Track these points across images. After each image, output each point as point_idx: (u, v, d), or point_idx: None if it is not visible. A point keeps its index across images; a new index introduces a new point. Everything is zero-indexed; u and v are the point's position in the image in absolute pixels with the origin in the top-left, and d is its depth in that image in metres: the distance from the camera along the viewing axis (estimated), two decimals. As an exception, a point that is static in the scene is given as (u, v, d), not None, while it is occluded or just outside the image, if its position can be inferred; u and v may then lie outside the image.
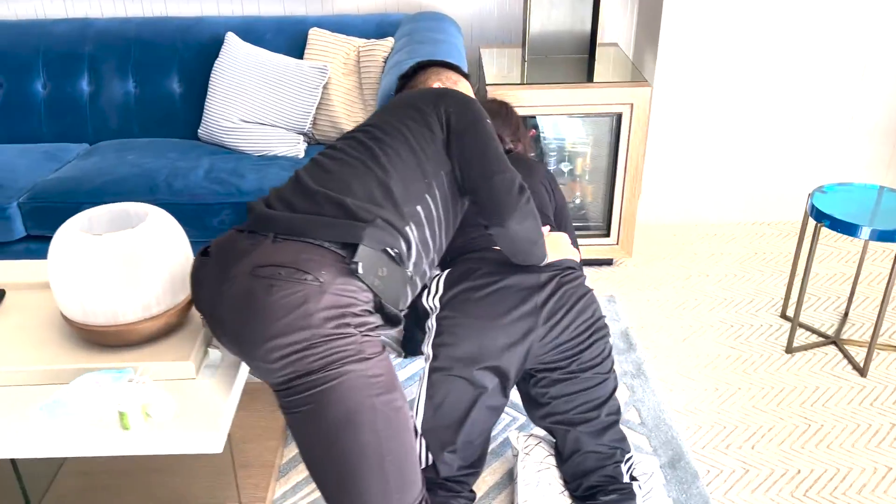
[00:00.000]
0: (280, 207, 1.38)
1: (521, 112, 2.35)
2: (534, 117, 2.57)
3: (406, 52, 2.34)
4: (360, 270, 1.29)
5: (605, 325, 1.71)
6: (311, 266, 1.27)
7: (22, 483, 1.71)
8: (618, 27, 2.95)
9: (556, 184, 2.06)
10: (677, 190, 2.98)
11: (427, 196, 1.46)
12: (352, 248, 1.30)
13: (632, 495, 1.63)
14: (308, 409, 1.25)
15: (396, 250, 1.37)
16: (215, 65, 2.66)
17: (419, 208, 1.44)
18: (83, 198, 2.26)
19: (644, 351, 2.30)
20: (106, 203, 2.23)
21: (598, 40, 2.86)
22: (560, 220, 2.04)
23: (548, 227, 1.78)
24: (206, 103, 2.65)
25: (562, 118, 2.60)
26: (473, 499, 1.71)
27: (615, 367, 1.79)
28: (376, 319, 1.34)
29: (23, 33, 2.75)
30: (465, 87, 1.83)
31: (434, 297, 1.68)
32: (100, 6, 2.95)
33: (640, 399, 2.09)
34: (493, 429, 1.78)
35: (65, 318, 1.49)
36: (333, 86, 2.63)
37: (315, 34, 2.71)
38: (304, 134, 2.63)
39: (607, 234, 2.67)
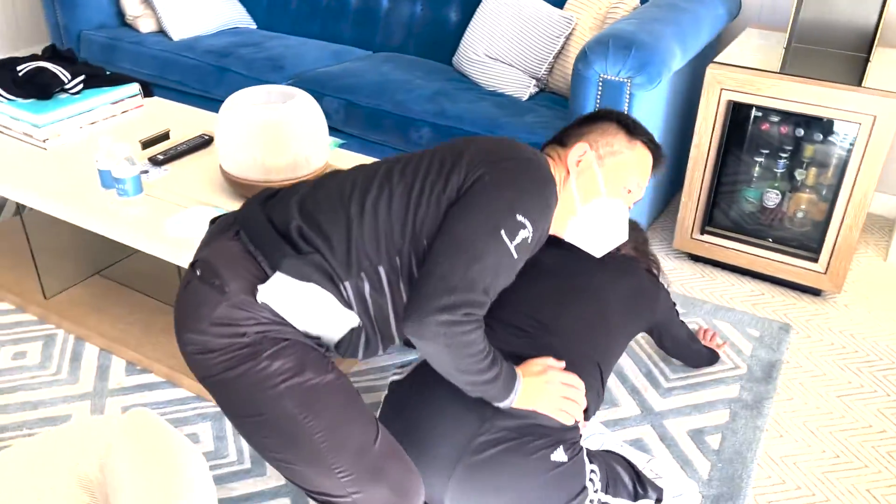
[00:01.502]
0: (270, 207, 1.32)
1: (764, 104, 2.19)
2: (777, 111, 2.31)
3: (634, 20, 2.27)
4: (260, 298, 1.21)
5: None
6: (227, 273, 1.22)
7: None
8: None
9: (657, 303, 1.74)
10: (951, 240, 2.45)
11: (397, 259, 1.27)
12: (273, 270, 1.23)
13: None
14: (222, 406, 1.27)
15: (337, 293, 1.24)
16: (481, 5, 2.86)
17: (381, 268, 1.26)
18: (329, 91, 2.68)
19: (781, 389, 2.03)
20: (338, 98, 2.64)
21: (880, 40, 2.42)
22: (658, 333, 1.85)
23: (549, 362, 1.42)
24: (464, 34, 2.88)
25: (811, 119, 2.30)
26: None
27: None
28: (284, 327, 1.25)
29: (353, -50, 3.25)
30: (627, 163, 1.45)
31: (395, 375, 1.55)
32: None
33: (734, 429, 1.88)
34: None
35: (222, 170, 1.88)
36: (576, 38, 2.66)
37: (582, -14, 2.74)
38: (537, 79, 2.72)
39: (815, 260, 2.34)
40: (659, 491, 1.59)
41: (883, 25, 2.32)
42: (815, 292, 2.42)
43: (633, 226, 1.77)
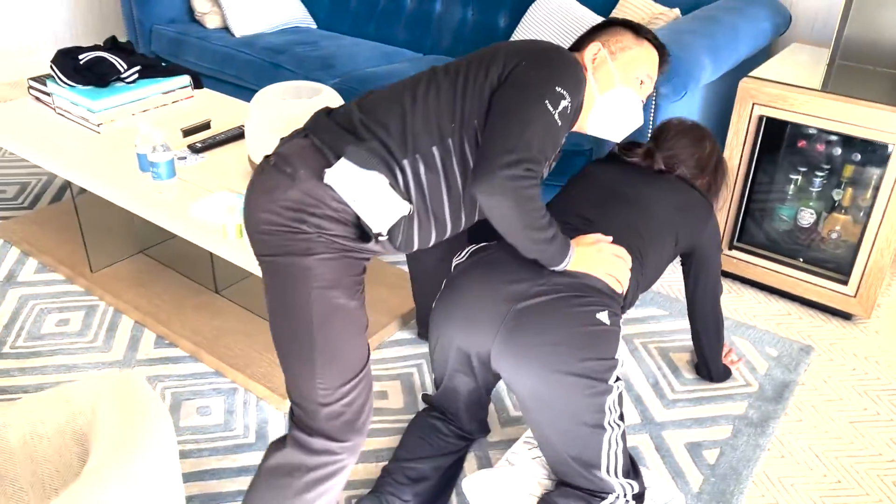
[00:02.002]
0: (335, 113, 1.46)
1: (798, 120, 2.17)
2: (812, 129, 2.27)
3: (667, 31, 2.28)
4: (328, 179, 1.34)
5: (604, 376, 1.46)
6: (297, 162, 1.36)
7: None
8: None
9: (705, 226, 1.81)
10: None
11: (449, 140, 1.40)
12: (338, 158, 1.36)
13: (600, 499, 1.56)
14: (265, 284, 1.42)
15: (393, 178, 1.37)
16: (531, 7, 2.90)
17: (434, 149, 1.39)
18: (369, 88, 2.76)
19: (791, 411, 1.99)
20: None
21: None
22: (696, 263, 1.86)
23: (599, 236, 1.57)
24: (510, 38, 2.92)
25: (849, 139, 2.24)
26: (478, 433, 1.80)
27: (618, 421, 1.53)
28: (341, 229, 1.37)
29: (411, -45, 3.34)
30: (637, 57, 1.61)
31: (456, 259, 1.68)
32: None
33: (734, 445, 1.87)
34: (477, 401, 1.73)
35: (249, 160, 1.99)
36: (617, 47, 2.66)
37: (628, -4, 2.75)
38: (577, 87, 2.74)
39: (845, 283, 2.28)
40: (641, 486, 1.60)
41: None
42: (846, 316, 2.35)
43: (700, 136, 1.86)
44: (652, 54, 1.65)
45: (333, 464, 1.37)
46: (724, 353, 2.08)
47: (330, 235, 1.37)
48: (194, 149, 2.15)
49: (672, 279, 2.50)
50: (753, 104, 2.23)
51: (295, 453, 1.37)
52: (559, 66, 1.43)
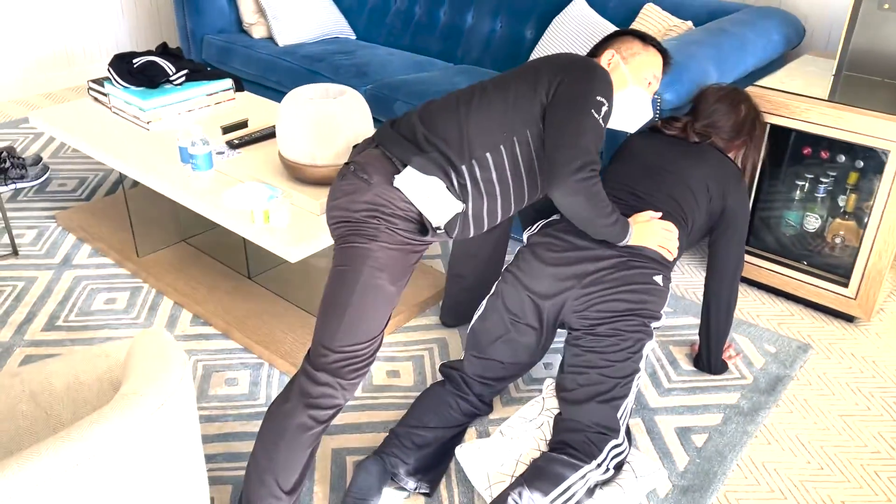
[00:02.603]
0: (398, 125, 1.71)
1: (801, 128, 2.28)
2: (815, 136, 2.36)
3: (675, 41, 2.40)
4: (397, 184, 1.59)
5: (647, 322, 1.78)
6: (372, 170, 1.62)
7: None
8: None
9: (733, 190, 2.01)
10: None
11: (502, 147, 1.65)
12: (405, 166, 1.62)
13: (583, 463, 1.68)
14: (334, 260, 1.66)
15: (450, 182, 1.61)
16: (555, 19, 3.05)
17: (488, 155, 1.64)
18: (400, 96, 2.94)
19: (783, 403, 2.08)
20: (407, 103, 2.90)
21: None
22: (724, 226, 2.01)
23: (651, 214, 1.85)
24: (534, 49, 3.07)
25: (852, 146, 2.32)
26: (483, 410, 1.95)
27: (642, 365, 1.81)
28: (405, 224, 1.62)
29: (446, -30, 3.53)
30: (644, 61, 1.86)
31: (527, 233, 1.95)
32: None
33: (722, 431, 1.97)
34: (525, 365, 1.94)
35: (280, 155, 2.17)
36: (634, 58, 2.79)
37: (647, 10, 2.88)
38: (595, 95, 2.87)
39: (846, 285, 2.36)
40: (628, 451, 1.79)
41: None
42: (848, 318, 2.43)
43: (735, 100, 2.09)
44: (657, 58, 1.91)
45: (331, 397, 1.58)
46: (724, 352, 2.19)
47: (395, 229, 1.61)
48: (231, 145, 2.35)
49: (680, 279, 2.61)
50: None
51: (303, 381, 1.59)
52: (595, 78, 1.68)
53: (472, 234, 1.73)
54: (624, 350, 1.77)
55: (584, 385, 1.78)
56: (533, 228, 1.97)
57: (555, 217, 1.95)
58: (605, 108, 1.66)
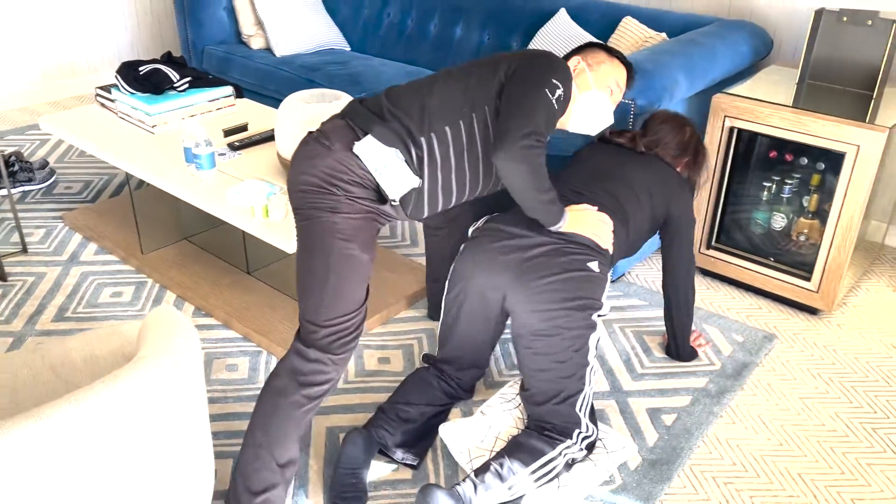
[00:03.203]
0: (365, 102, 1.80)
1: (763, 131, 2.44)
2: (776, 139, 2.52)
3: (648, 51, 2.57)
4: (356, 150, 1.68)
5: (587, 313, 1.82)
6: (334, 137, 1.71)
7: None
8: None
9: (676, 197, 2.12)
10: (956, 273, 2.55)
11: (461, 121, 1.74)
12: (366, 135, 1.71)
13: (560, 441, 1.82)
14: (298, 231, 1.76)
15: (409, 154, 1.71)
16: (539, 31, 3.22)
17: (447, 128, 1.73)
18: (392, 103, 3.10)
19: (748, 387, 2.23)
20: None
21: (891, 79, 2.58)
22: (671, 231, 2.15)
23: (588, 206, 1.93)
24: (519, 60, 3.24)
25: (811, 148, 2.48)
26: (464, 395, 2.08)
27: (591, 358, 1.87)
28: (363, 192, 1.71)
29: (436, -15, 3.70)
30: (608, 70, 1.97)
31: (472, 228, 2.05)
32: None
33: (690, 412, 2.11)
34: (484, 351, 2.04)
35: (278, 155, 2.32)
36: (612, 67, 2.95)
37: (626, 23, 3.05)
38: (577, 103, 3.04)
39: (808, 279, 2.51)
40: (596, 434, 1.91)
41: (893, 64, 2.48)
42: (812, 311, 2.58)
43: (681, 123, 2.23)
44: (621, 69, 2.02)
45: (322, 373, 1.69)
46: (693, 338, 2.34)
47: (354, 197, 1.71)
48: (232, 147, 2.50)
49: (654, 276, 2.76)
50: (725, 116, 2.50)
51: (294, 359, 1.69)
52: (552, 66, 1.80)
53: (426, 214, 1.82)
54: (568, 349, 1.82)
55: (539, 386, 1.86)
56: (478, 223, 2.04)
57: (497, 214, 2.01)
58: (559, 92, 1.76)
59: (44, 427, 1.10)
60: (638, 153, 2.18)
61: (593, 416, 1.95)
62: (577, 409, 1.86)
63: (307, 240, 1.72)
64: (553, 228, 1.85)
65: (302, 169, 1.72)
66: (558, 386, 1.84)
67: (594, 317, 1.85)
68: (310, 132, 1.79)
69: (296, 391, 1.68)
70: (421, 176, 1.75)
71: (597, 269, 1.86)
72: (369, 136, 1.71)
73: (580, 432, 1.86)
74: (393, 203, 1.77)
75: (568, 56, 2.05)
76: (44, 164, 3.34)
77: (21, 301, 2.52)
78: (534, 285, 1.81)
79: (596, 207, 1.95)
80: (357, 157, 1.71)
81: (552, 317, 1.80)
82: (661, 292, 2.46)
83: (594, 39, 2.18)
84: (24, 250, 2.80)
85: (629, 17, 3.05)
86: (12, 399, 1.52)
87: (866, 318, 2.56)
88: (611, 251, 1.94)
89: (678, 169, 2.23)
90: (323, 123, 1.80)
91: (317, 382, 1.70)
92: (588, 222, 1.89)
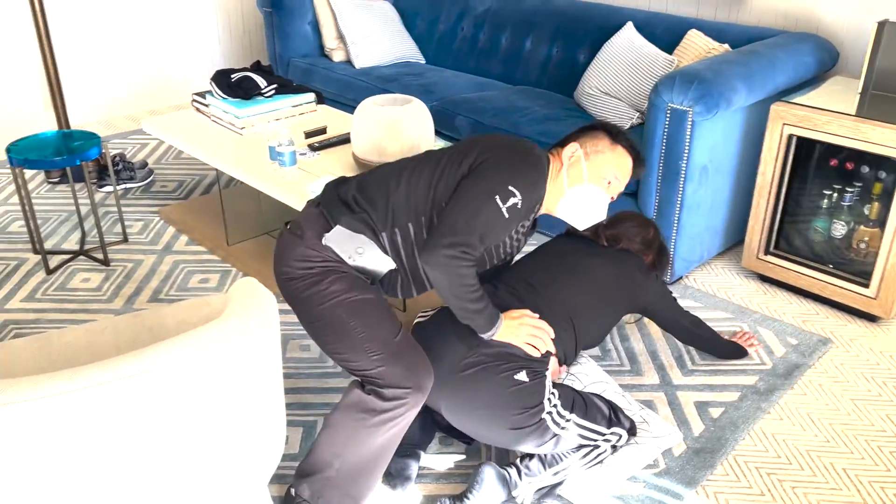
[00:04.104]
0: (339, 188, 1.82)
1: (822, 139, 2.50)
2: (839, 147, 2.56)
3: (708, 61, 2.65)
4: (325, 241, 1.72)
5: (531, 419, 1.76)
6: (305, 226, 1.76)
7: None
8: None
9: (642, 284, 2.11)
10: None
11: (422, 218, 1.74)
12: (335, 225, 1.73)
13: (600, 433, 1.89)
14: (301, 321, 1.79)
15: (378, 241, 1.73)
16: (606, 44, 3.33)
17: (410, 224, 1.74)
18: (462, 111, 3.26)
19: (798, 387, 2.27)
20: (467, 117, 3.22)
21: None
22: (651, 314, 2.20)
23: (525, 312, 1.86)
24: (586, 71, 3.36)
25: (873, 157, 2.51)
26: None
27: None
28: (337, 276, 1.71)
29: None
30: (608, 160, 1.88)
31: (420, 315, 2.05)
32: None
33: (737, 406, 2.17)
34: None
35: (353, 155, 2.52)
36: (676, 78, 3.04)
37: (691, 35, 3.13)
38: (641, 111, 3.13)
39: (867, 285, 2.53)
40: (630, 422, 1.96)
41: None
42: (871, 318, 2.59)
43: (646, 223, 2.21)
44: (624, 158, 1.92)
45: (402, 406, 1.70)
46: (745, 338, 2.40)
47: (335, 267, 1.74)
48: (312, 147, 2.71)
49: (711, 280, 2.82)
50: (783, 124, 2.56)
51: (372, 400, 1.71)
52: (519, 168, 1.72)
53: (400, 297, 1.86)
54: (534, 444, 1.80)
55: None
56: (426, 315, 2.02)
57: (443, 310, 1.95)
58: (514, 200, 1.69)
59: (140, 366, 1.29)
60: (601, 245, 2.16)
61: (615, 414, 1.93)
62: (590, 442, 1.87)
63: (313, 319, 1.75)
64: (484, 336, 1.80)
65: (282, 263, 1.78)
66: (569, 469, 1.87)
67: (542, 414, 1.79)
68: (284, 224, 1.87)
69: (376, 418, 1.72)
70: (395, 260, 1.78)
71: (526, 378, 1.79)
72: (338, 227, 1.74)
73: (609, 443, 1.90)
74: (371, 286, 1.79)
75: (568, 139, 1.95)
76: (143, 165, 3.65)
77: (121, 283, 2.79)
78: (466, 412, 1.81)
79: (539, 312, 1.88)
80: (328, 247, 1.75)
81: (491, 433, 1.82)
82: (726, 295, 2.53)
83: (603, 121, 2.06)
84: (125, 240, 3.08)
85: (694, 30, 3.13)
86: (117, 353, 1.74)
87: (927, 327, 2.56)
88: (549, 354, 1.87)
89: (647, 260, 2.19)
90: (300, 212, 1.85)
91: (398, 415, 1.71)
92: (520, 333, 1.82)
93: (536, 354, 1.84)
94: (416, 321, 2.05)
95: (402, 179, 1.78)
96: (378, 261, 1.77)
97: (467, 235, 1.66)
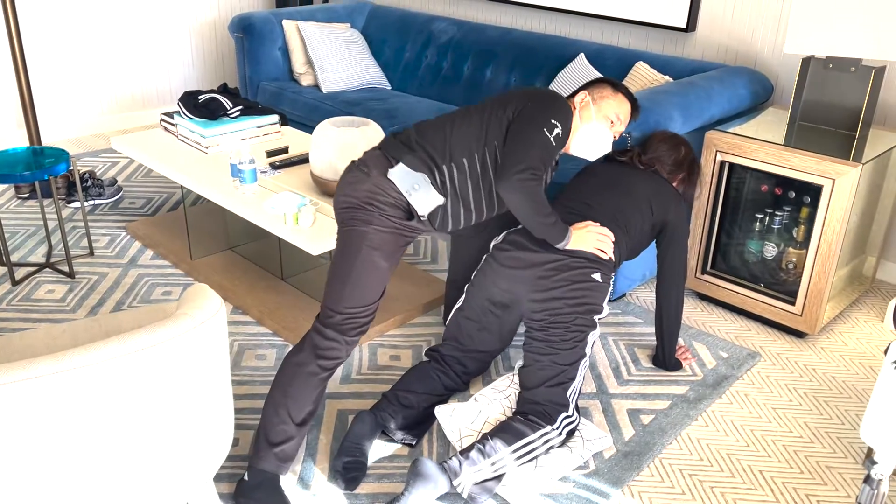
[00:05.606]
0: (398, 135, 2.11)
1: (749, 164, 2.66)
2: (764, 173, 2.74)
3: (649, 90, 2.83)
4: (390, 175, 2.01)
5: (589, 315, 2.13)
6: (371, 164, 2.04)
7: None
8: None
9: (674, 208, 2.37)
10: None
11: (475, 154, 2.05)
12: (398, 163, 2.03)
13: (541, 427, 2.05)
14: (337, 239, 2.07)
15: (433, 178, 2.02)
16: (558, 75, 3.51)
17: (465, 160, 2.05)
18: (421, 134, 3.41)
19: (726, 397, 2.42)
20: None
21: (874, 120, 2.77)
22: (667, 238, 2.39)
23: (590, 223, 2.19)
24: (540, 100, 3.53)
25: (795, 182, 2.69)
26: (461, 387, 2.33)
27: (587, 351, 2.15)
28: (394, 211, 2.02)
29: (467, 29, 4.04)
30: (611, 104, 2.22)
31: (494, 241, 2.32)
32: (514, 19, 4.08)
33: (667, 413, 2.31)
34: (491, 352, 2.33)
35: (311, 174, 2.65)
36: (622, 107, 3.22)
37: (638, 67, 3.32)
38: (589, 138, 3.30)
39: (793, 303, 2.70)
40: (578, 422, 2.15)
41: (875, 107, 2.68)
42: (799, 335, 2.75)
43: (677, 145, 2.49)
44: (624, 104, 2.26)
45: (335, 349, 1.99)
46: (680, 352, 2.54)
47: (386, 215, 2.02)
48: (273, 166, 2.84)
49: (651, 297, 2.97)
50: (717, 151, 2.73)
51: (314, 337, 2.00)
52: (553, 106, 2.08)
53: (451, 228, 2.12)
54: (570, 340, 2.10)
55: (538, 371, 2.13)
56: (499, 238, 2.31)
57: (517, 227, 2.31)
58: (557, 130, 2.04)
59: (92, 357, 1.40)
60: (638, 169, 2.44)
61: (578, 407, 2.18)
62: (568, 394, 2.11)
63: (342, 243, 2.04)
64: (559, 246, 2.12)
65: (346, 192, 2.06)
66: (554, 370, 2.11)
67: (595, 318, 2.14)
68: (352, 161, 2.12)
69: (312, 362, 1.98)
70: (445, 196, 2.06)
71: (599, 279, 2.14)
72: (400, 164, 2.03)
73: (566, 415, 2.09)
74: (422, 218, 2.07)
75: (577, 90, 2.30)
76: (113, 182, 3.75)
77: (85, 295, 2.88)
78: (549, 295, 2.11)
79: (598, 223, 2.21)
80: (391, 181, 2.02)
81: (562, 314, 2.10)
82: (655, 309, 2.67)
83: (605, 77, 2.41)
84: (91, 253, 3.18)
85: (641, 62, 3.32)
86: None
87: (850, 343, 2.72)
88: (613, 259, 2.20)
89: (674, 184, 2.48)
90: (363, 153, 2.12)
91: (330, 357, 2.00)
92: (589, 239, 2.15)
93: (605, 257, 2.16)
94: (493, 243, 2.29)
95: (456, 125, 2.09)
96: (428, 197, 2.03)
97: (532, 160, 1.98)
